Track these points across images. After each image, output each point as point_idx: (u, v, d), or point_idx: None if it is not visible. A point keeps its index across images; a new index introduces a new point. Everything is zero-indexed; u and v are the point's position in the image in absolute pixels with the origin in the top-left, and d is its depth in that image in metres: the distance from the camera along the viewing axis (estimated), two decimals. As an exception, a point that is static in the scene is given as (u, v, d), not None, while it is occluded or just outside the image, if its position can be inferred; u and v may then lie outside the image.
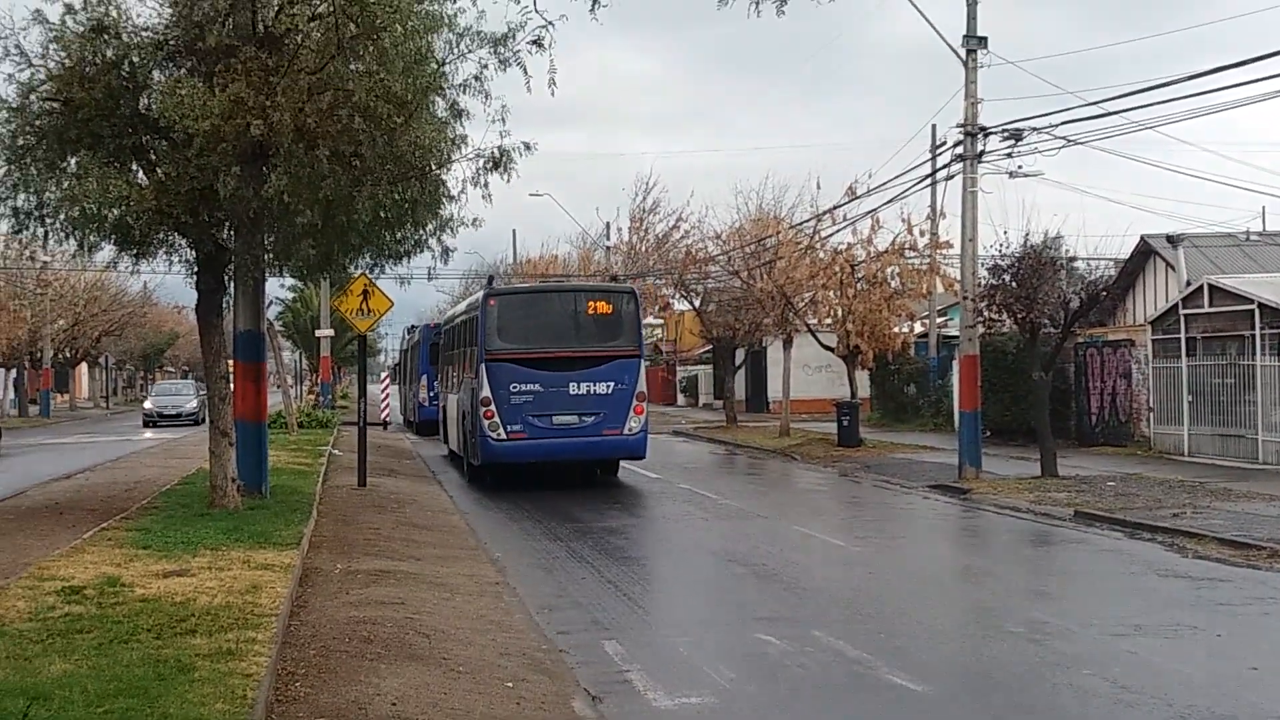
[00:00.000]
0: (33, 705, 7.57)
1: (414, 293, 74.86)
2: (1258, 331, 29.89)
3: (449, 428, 36.58)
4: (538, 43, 12.35)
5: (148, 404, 63.62)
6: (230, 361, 21.56)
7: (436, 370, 41.82)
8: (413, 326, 59.91)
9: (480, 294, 31.25)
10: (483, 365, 28.48)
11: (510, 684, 10.17)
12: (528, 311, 30.65)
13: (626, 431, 28.26)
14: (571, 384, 28.15)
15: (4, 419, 63.08)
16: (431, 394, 45.33)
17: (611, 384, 28.43)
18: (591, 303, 30.30)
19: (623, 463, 30.01)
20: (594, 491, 26.63)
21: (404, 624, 12.06)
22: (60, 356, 75.52)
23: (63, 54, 18.44)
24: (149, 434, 51.84)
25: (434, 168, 19.18)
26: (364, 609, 12.73)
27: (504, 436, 27.83)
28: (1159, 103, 25.50)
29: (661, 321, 72.04)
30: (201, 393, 57.49)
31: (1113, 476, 26.04)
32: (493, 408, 27.98)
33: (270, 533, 16.97)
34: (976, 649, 11.69)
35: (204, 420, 35.00)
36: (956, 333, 31.92)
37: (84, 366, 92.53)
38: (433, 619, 12.48)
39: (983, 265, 28.28)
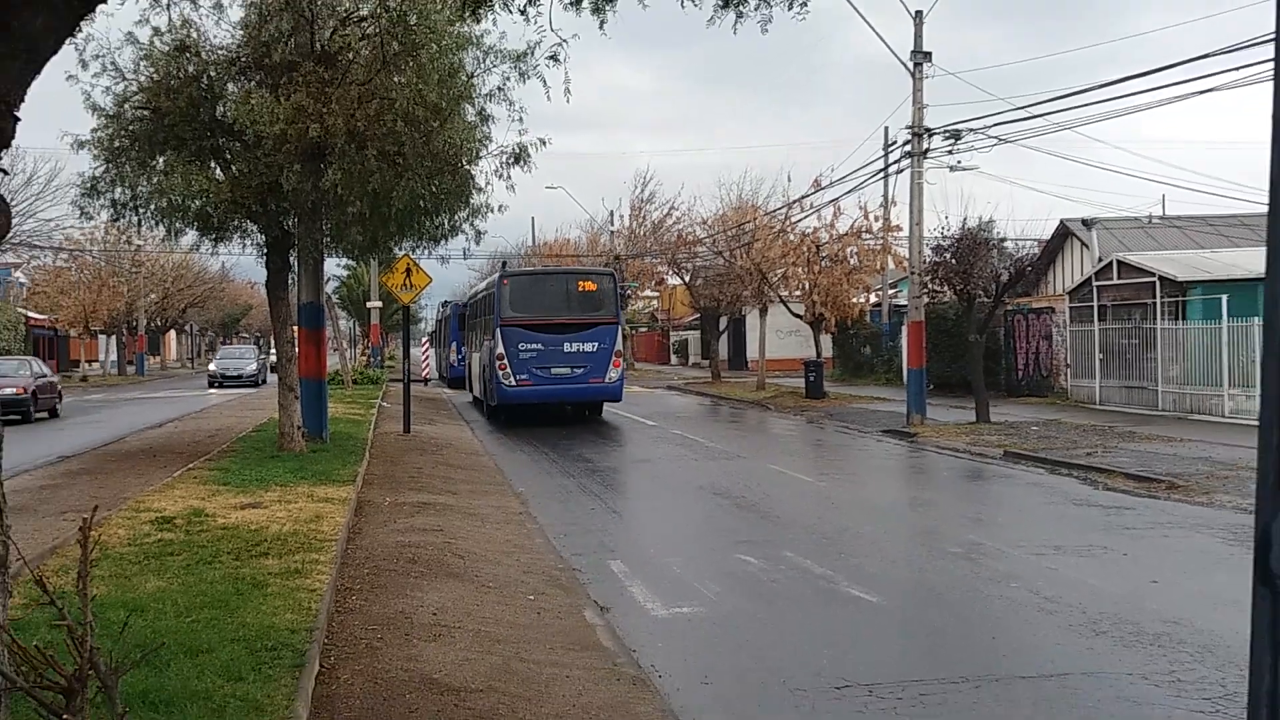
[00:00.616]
0: (132, 616, 7.60)
1: (451, 270, 74.62)
2: (1158, 300, 29.95)
3: (473, 380, 39.30)
4: (554, 58, 12.33)
5: (212, 366, 58.61)
6: (295, 329, 21.59)
7: (463, 336, 44.87)
8: (446, 302, 61.42)
9: (496, 275, 34.44)
10: (498, 329, 31.49)
11: (531, 597, 10.24)
12: (532, 289, 33.75)
13: (607, 380, 31.46)
14: (565, 344, 31.21)
15: (104, 377, 63.32)
16: (459, 356, 48.00)
17: (596, 344, 31.37)
18: (581, 282, 33.78)
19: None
20: (601, 438, 26.73)
21: (442, 547, 12.13)
22: (152, 325, 75.73)
23: (151, 70, 18.42)
24: (214, 394, 49.05)
25: (464, 163, 19.18)
26: (409, 535, 12.80)
27: (514, 383, 30.99)
28: (1076, 107, 25.55)
29: (657, 294, 72.05)
30: (260, 357, 58.60)
31: (1036, 422, 26.12)
32: (505, 361, 30.99)
33: (330, 472, 17.05)
34: (921, 566, 11.76)
35: (263, 382, 35.36)
36: (905, 302, 31.88)
37: (172, 334, 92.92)
38: (466, 543, 12.55)
39: (927, 245, 28.40)
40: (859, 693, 7.51)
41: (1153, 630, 8.87)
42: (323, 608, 8.83)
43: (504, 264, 41.56)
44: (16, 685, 4.67)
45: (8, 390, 30.62)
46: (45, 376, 35.04)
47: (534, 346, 31.30)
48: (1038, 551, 12.09)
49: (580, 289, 33.43)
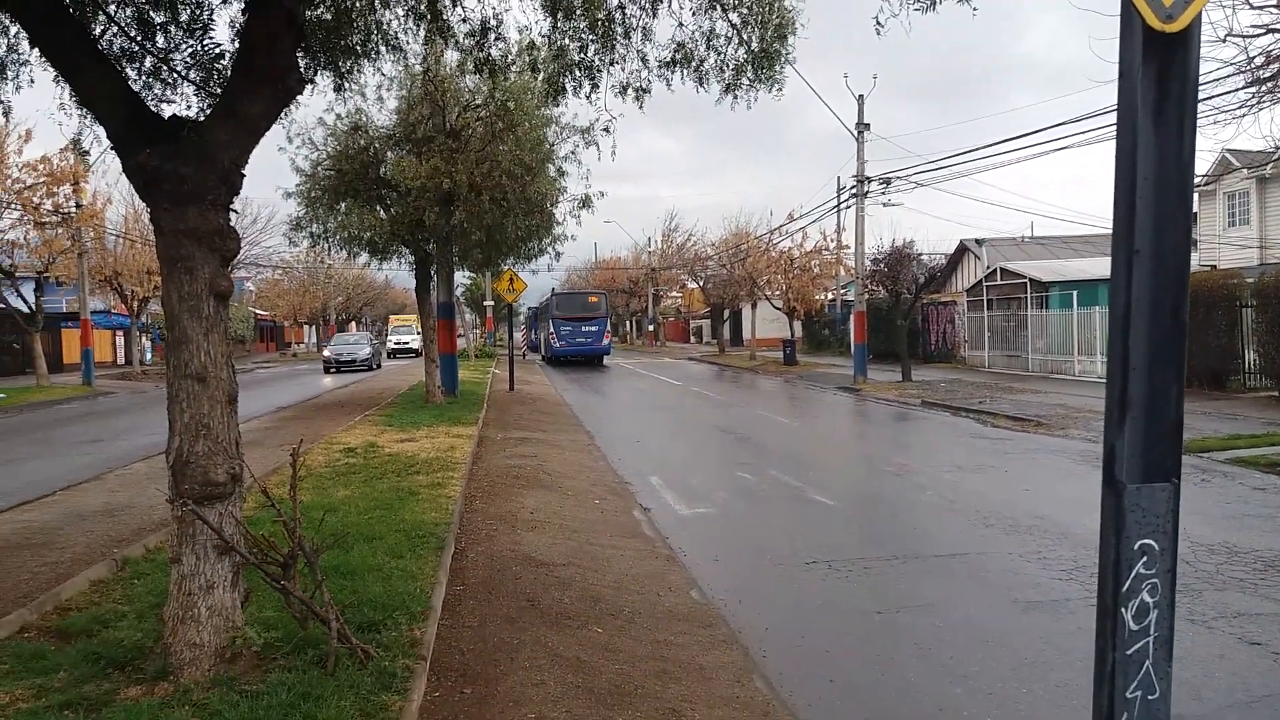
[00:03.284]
0: (327, 514, 7.68)
1: (540, 278, 75.27)
2: (1028, 295, 29.63)
3: (540, 346, 48.66)
4: (606, 130, 12.41)
5: (327, 352, 41.57)
6: (435, 320, 21.69)
7: (538, 324, 53.36)
8: (530, 307, 64.35)
9: (551, 291, 48.21)
10: (550, 320, 42.14)
11: (597, 501, 10.25)
12: (566, 301, 43.08)
13: (601, 345, 41.57)
14: (581, 327, 41.17)
15: (308, 353, 63.73)
16: (535, 335, 56.68)
17: (596, 328, 41.43)
18: (591, 296, 43.24)
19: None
20: (641, 394, 26.64)
21: (536, 468, 12.15)
22: (340, 317, 76.14)
23: (334, 143, 18.48)
24: (328, 379, 34.76)
25: (548, 206, 19.18)
26: (513, 459, 12.84)
27: (558, 345, 41.28)
28: (971, 160, 25.50)
29: (681, 294, 71.78)
30: (374, 342, 45.98)
31: (944, 381, 25.85)
32: (554, 335, 41.38)
33: (460, 417, 17.13)
34: (864, 480, 11.68)
35: (378, 366, 36.51)
36: (852, 298, 31.64)
37: (354, 324, 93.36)
38: (552, 465, 12.57)
39: (868, 259, 28.09)
40: (821, 566, 7.47)
41: (1026, 523, 8.77)
42: (456, 508, 8.88)
43: (554, 289, 53.02)
44: (250, 560, 4.72)
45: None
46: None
47: (567, 329, 41.35)
48: (945, 469, 12.00)
49: (589, 301, 42.81)
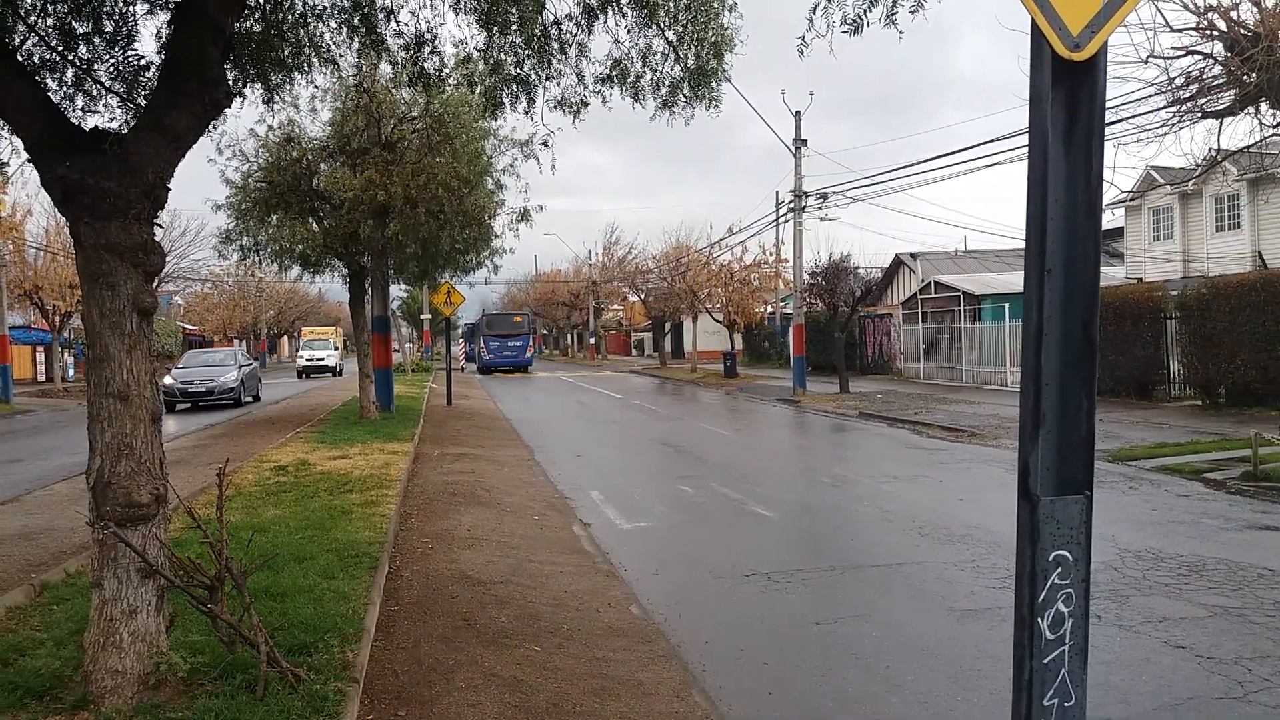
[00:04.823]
0: (256, 534, 7.53)
1: (477, 291, 74.63)
2: (961, 308, 30.27)
3: (477, 360, 53.01)
4: (545, 144, 12.38)
5: (167, 379, 26.73)
6: (370, 334, 21.43)
7: (474, 339, 57.45)
8: (466, 323, 66.44)
9: (481, 313, 55.73)
10: (482, 335, 50.81)
11: (536, 517, 10.21)
12: (496, 320, 52.23)
13: (525, 357, 49.71)
14: (507, 342, 49.59)
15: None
16: (470, 349, 60.64)
17: (520, 343, 49.67)
18: (515, 317, 52.37)
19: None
20: (583, 406, 26.60)
21: (474, 484, 12.07)
22: (271, 332, 74.78)
23: (266, 154, 18.21)
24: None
25: (486, 219, 19.12)
26: (450, 476, 12.73)
27: (488, 359, 49.43)
28: (904, 176, 26.11)
29: (622, 307, 71.98)
30: (248, 363, 38.06)
31: (880, 392, 26.28)
32: (485, 349, 49.85)
33: (396, 432, 16.92)
34: (803, 492, 11.81)
35: (253, 398, 27.00)
36: (791, 311, 32.03)
37: (286, 338, 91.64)
38: (491, 481, 12.49)
39: (805, 272, 28.51)
40: (760, 578, 7.54)
41: (960, 533, 8.96)
42: (390, 527, 8.78)
43: (483, 310, 59.31)
44: (175, 584, 4.62)
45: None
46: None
47: (495, 344, 49.67)
48: (882, 480, 12.19)
49: (515, 319, 51.87)
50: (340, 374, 50.12)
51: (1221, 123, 14.25)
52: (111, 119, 5.93)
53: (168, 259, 29.16)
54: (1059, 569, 2.16)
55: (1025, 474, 2.21)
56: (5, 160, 6.85)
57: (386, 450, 14.48)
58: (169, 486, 4.80)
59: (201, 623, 5.06)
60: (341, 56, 7.38)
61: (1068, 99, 2.30)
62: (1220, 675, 5.29)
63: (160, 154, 4.71)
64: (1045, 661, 2.15)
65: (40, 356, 44.73)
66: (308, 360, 51.54)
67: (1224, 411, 18.01)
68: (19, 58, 5.13)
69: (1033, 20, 2.28)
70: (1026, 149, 2.36)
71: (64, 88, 5.84)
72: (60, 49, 5.77)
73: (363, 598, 6.28)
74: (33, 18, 5.66)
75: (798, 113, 27.39)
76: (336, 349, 54.90)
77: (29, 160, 4.78)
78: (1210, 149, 15.07)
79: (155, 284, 4.89)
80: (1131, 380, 20.79)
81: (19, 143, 5.15)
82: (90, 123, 5.73)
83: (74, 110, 5.86)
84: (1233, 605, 6.50)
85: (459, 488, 11.69)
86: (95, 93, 5.92)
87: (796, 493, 11.77)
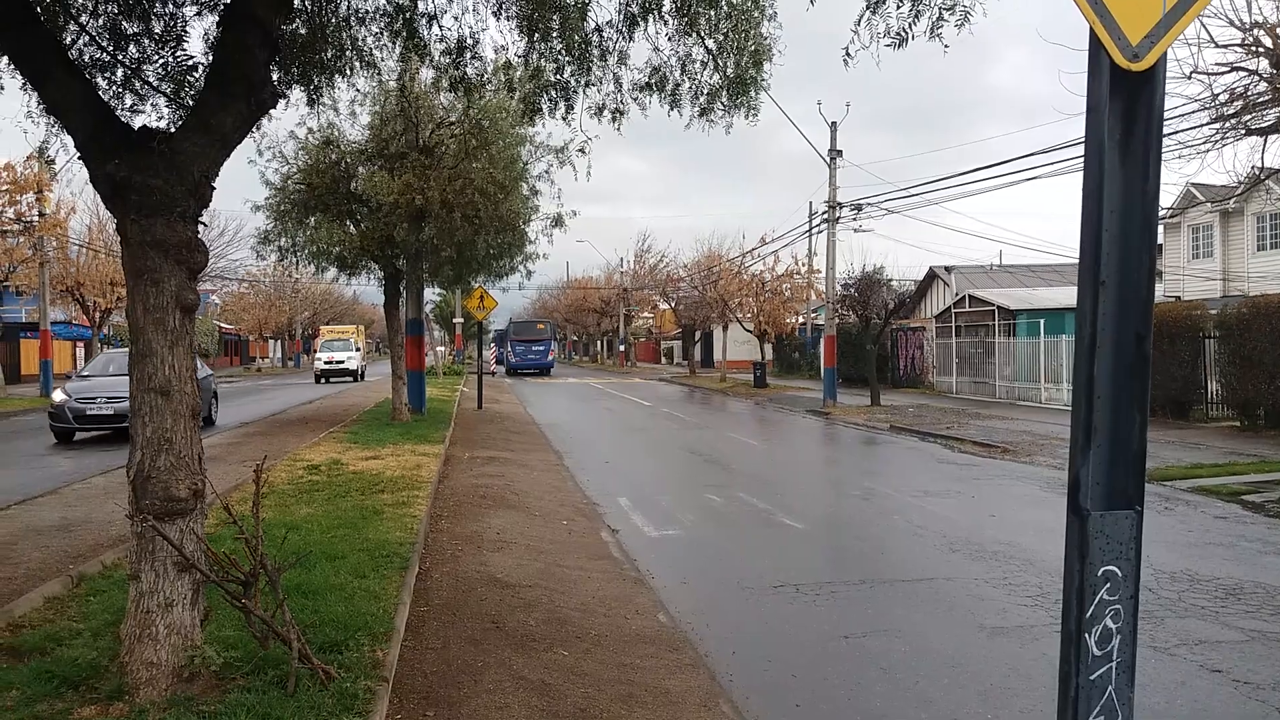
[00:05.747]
0: (289, 532, 7.58)
1: (511, 296, 75.15)
2: (996, 323, 29.99)
3: (505, 363, 56.96)
4: (581, 150, 12.43)
5: (57, 395, 17.92)
6: (404, 336, 21.58)
7: (504, 343, 59.68)
8: (497, 329, 68.82)
9: (509, 320, 58.94)
10: (509, 340, 55.55)
11: (565, 522, 10.21)
12: (522, 327, 56.47)
13: (547, 361, 54.53)
14: (531, 347, 54.32)
15: (272, 368, 62.88)
16: (500, 354, 62.83)
17: (543, 347, 54.55)
18: (539, 324, 57.19)
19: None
20: (613, 415, 26.62)
21: (503, 488, 12.09)
22: (305, 332, 75.48)
23: (305, 157, 18.42)
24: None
25: (521, 225, 19.22)
26: (480, 479, 12.77)
27: (514, 361, 54.21)
28: (940, 189, 25.82)
29: (652, 315, 72.00)
30: (359, 350, 47.57)
31: (912, 406, 26.08)
32: (511, 352, 54.54)
33: (427, 435, 17.01)
34: (832, 504, 11.73)
35: (362, 376, 26.98)
36: (823, 322, 31.89)
37: (319, 339, 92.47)
38: (520, 485, 12.51)
39: (838, 283, 28.35)
40: (788, 589, 7.49)
41: (992, 549, 8.84)
42: (421, 528, 8.81)
43: (511, 318, 60.53)
44: (211, 578, 4.65)
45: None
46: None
47: (521, 348, 54.42)
48: (913, 494, 12.08)
49: (539, 326, 56.71)
50: (362, 378, 46.75)
51: (1266, 140, 14.05)
52: (160, 118, 6.02)
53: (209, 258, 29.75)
54: (1108, 584, 2.12)
55: (1075, 488, 2.17)
56: (53, 157, 6.97)
57: (418, 452, 14.55)
58: (206, 482, 4.84)
59: (235, 618, 5.10)
60: (383, 61, 7.45)
61: (1125, 109, 2.26)
62: (1257, 701, 5.18)
63: (206, 153, 4.77)
64: (1092, 678, 2.11)
65: (80, 352, 45.43)
66: (325, 363, 46.42)
67: (1263, 433, 17.69)
68: (70, 56, 5.21)
69: (1091, 30, 2.25)
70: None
71: (113, 86, 5.93)
72: (110, 48, 5.87)
73: (393, 597, 6.29)
74: (84, 18, 5.76)
75: (834, 124, 27.28)
76: (358, 350, 49.73)
77: (79, 158, 4.85)
78: (1254, 166, 14.86)
79: (197, 282, 4.94)
80: (1168, 399, 20.48)
81: (68, 140, 5.24)
82: (138, 121, 5.82)
83: (122, 109, 5.96)
84: (1271, 630, 6.37)
85: (489, 491, 11.72)
86: (143, 92, 6.01)
87: (825, 505, 11.69)
